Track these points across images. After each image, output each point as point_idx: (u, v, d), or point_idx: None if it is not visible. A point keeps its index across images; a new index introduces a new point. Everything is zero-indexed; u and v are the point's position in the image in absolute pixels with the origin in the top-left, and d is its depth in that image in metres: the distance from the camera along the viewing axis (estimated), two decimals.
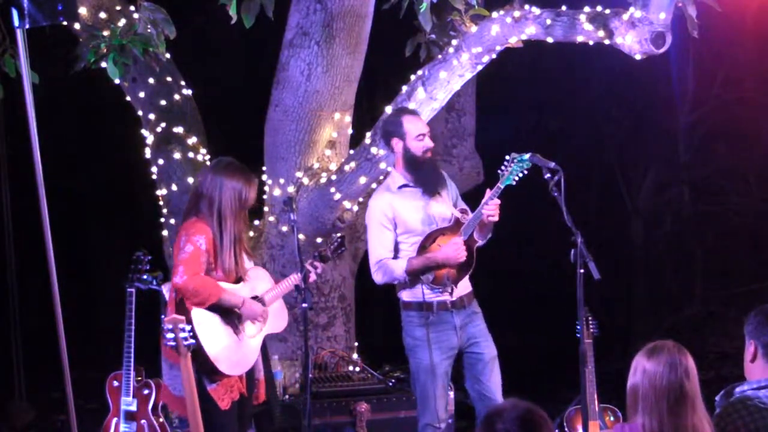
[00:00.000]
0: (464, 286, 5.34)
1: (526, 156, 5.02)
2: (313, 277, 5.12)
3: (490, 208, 5.11)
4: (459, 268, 5.23)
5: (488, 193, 5.12)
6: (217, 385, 4.85)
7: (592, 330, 5.32)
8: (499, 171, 5.10)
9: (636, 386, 3.40)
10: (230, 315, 4.91)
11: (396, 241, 5.30)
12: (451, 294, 5.26)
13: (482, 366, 5.31)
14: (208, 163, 6.65)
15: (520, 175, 5.08)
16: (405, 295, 5.32)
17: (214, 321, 4.85)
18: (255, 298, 5.01)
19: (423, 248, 5.22)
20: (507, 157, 5.08)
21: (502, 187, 5.11)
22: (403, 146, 5.28)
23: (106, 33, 5.81)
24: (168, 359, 4.92)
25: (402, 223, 5.28)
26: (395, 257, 5.29)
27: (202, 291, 4.78)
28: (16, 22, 4.09)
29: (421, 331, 5.24)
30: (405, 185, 5.32)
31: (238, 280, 4.98)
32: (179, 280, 4.78)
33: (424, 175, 5.30)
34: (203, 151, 6.63)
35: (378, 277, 5.32)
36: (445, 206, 5.33)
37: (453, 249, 5.16)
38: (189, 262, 4.80)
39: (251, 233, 6.57)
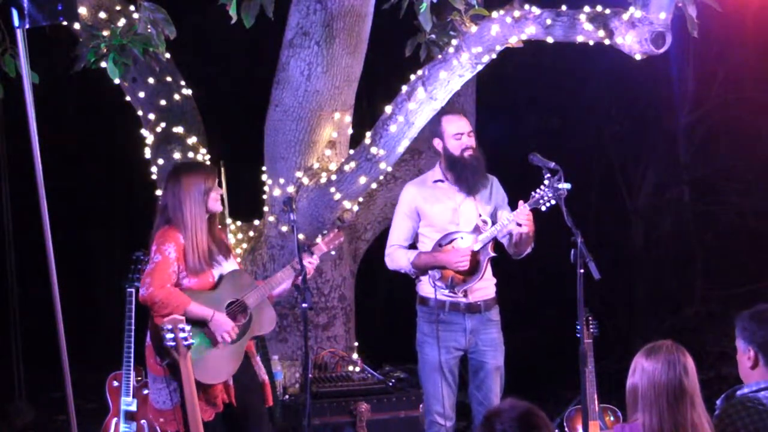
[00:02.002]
0: (484, 292, 5.39)
1: (563, 185, 4.96)
2: (310, 270, 5.03)
3: (521, 216, 5.11)
4: (464, 275, 5.27)
5: (521, 205, 5.13)
6: (207, 390, 4.79)
7: (592, 330, 5.33)
8: (533, 192, 5.09)
9: (635, 385, 3.41)
10: (203, 323, 4.83)
11: (417, 232, 5.46)
12: (465, 296, 5.30)
13: (484, 375, 5.39)
14: (207, 163, 6.66)
15: (551, 203, 5.04)
16: (421, 291, 5.45)
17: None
18: (235, 302, 4.93)
19: (439, 246, 5.30)
20: (546, 182, 5.03)
21: (527, 209, 5.10)
22: (443, 146, 5.44)
23: (106, 33, 5.80)
24: (151, 372, 4.89)
25: (425, 216, 5.39)
26: (413, 246, 5.44)
27: (168, 302, 4.71)
28: (16, 22, 4.08)
29: (429, 328, 5.35)
30: (440, 180, 5.45)
31: (217, 284, 4.90)
32: (144, 292, 4.75)
33: (462, 174, 5.39)
34: (203, 151, 6.63)
35: (387, 261, 5.50)
36: (476, 210, 5.36)
37: (454, 255, 5.24)
38: (155, 272, 4.76)
39: (251, 233, 6.57)
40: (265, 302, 5.05)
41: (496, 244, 5.39)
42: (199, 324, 4.80)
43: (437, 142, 5.48)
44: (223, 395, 4.88)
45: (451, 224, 5.36)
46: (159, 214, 4.99)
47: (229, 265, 4.99)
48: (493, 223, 5.29)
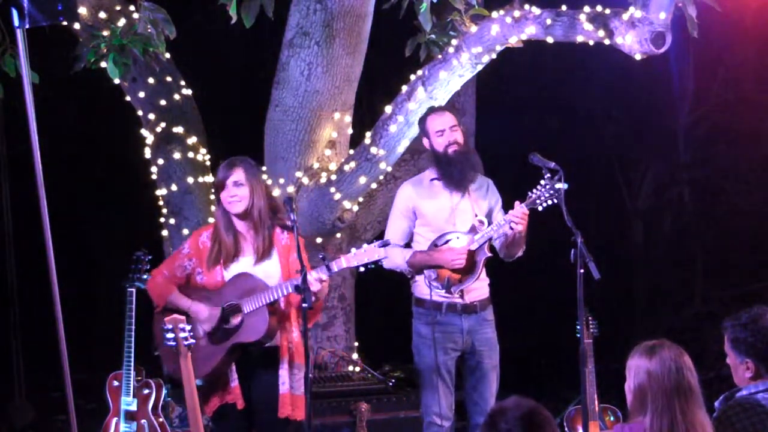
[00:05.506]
0: (479, 293, 5.38)
1: (560, 185, 4.93)
2: (315, 286, 4.75)
3: (516, 215, 5.09)
4: (461, 275, 5.26)
5: (517, 204, 5.11)
6: (199, 389, 4.72)
7: (592, 330, 5.33)
8: (529, 192, 5.07)
9: (643, 388, 3.37)
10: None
11: (412, 231, 5.43)
12: (461, 297, 5.29)
13: (480, 375, 5.38)
14: (207, 163, 6.67)
15: (549, 203, 5.01)
16: (417, 292, 5.42)
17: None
18: (231, 305, 4.77)
19: (435, 245, 5.28)
20: (542, 181, 5.01)
21: (524, 209, 5.08)
22: (429, 144, 5.42)
23: (106, 33, 5.81)
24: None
25: (422, 215, 5.38)
26: (408, 246, 5.42)
27: (152, 293, 4.95)
28: (16, 22, 4.09)
29: (426, 329, 5.32)
30: (436, 179, 5.43)
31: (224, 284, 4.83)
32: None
33: (447, 170, 5.35)
34: (203, 151, 6.64)
35: (383, 260, 5.39)
36: (473, 210, 5.34)
37: (450, 254, 5.21)
38: (160, 265, 5.01)
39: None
40: (261, 310, 4.75)
41: (489, 246, 5.38)
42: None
43: (425, 142, 5.45)
44: (226, 396, 4.79)
45: (448, 224, 5.33)
46: None
47: (247, 266, 4.81)
48: (489, 223, 5.29)
